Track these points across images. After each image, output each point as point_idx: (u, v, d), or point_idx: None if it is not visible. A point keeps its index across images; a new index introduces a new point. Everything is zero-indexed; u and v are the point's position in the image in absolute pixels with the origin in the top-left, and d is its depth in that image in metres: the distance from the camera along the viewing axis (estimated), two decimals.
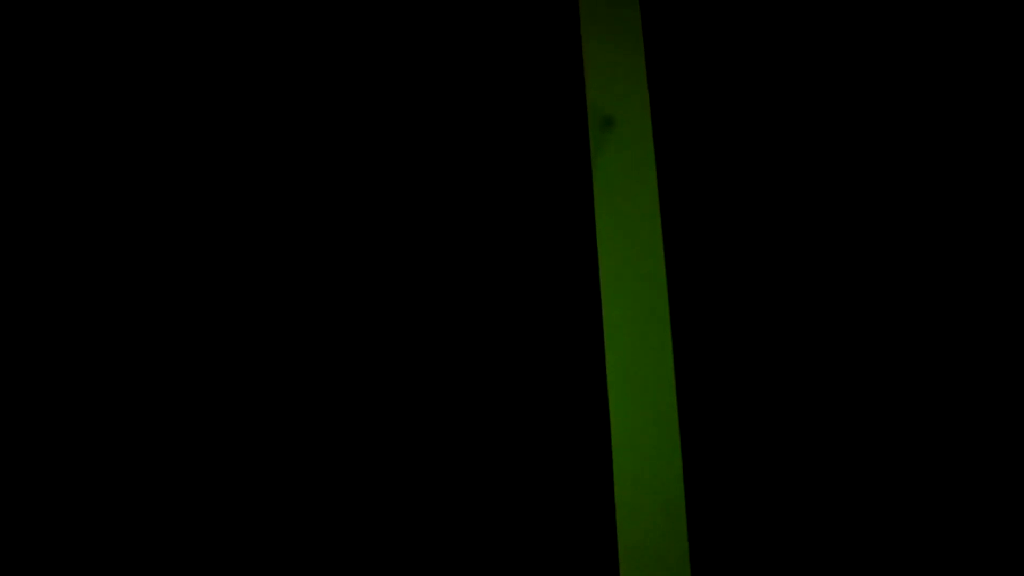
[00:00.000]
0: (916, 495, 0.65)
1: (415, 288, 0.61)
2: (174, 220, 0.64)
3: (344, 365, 0.61)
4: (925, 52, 0.72)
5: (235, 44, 0.64)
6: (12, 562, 0.56)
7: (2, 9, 0.61)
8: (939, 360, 0.67)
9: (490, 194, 0.63)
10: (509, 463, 0.53)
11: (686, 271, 0.66)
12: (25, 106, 0.63)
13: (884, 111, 0.73)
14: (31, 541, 0.58)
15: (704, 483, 0.62)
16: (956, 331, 0.67)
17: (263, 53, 0.65)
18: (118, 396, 0.62)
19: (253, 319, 0.63)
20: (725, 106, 0.71)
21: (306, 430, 0.61)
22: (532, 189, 0.63)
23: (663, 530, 0.58)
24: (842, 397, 0.67)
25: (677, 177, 0.68)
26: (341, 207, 0.64)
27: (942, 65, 0.72)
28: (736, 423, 0.65)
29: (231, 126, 0.65)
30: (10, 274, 0.61)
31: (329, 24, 0.63)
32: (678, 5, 0.69)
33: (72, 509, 0.60)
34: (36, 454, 0.60)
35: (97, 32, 0.65)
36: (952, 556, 0.63)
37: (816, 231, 0.69)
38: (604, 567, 0.52)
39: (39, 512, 0.59)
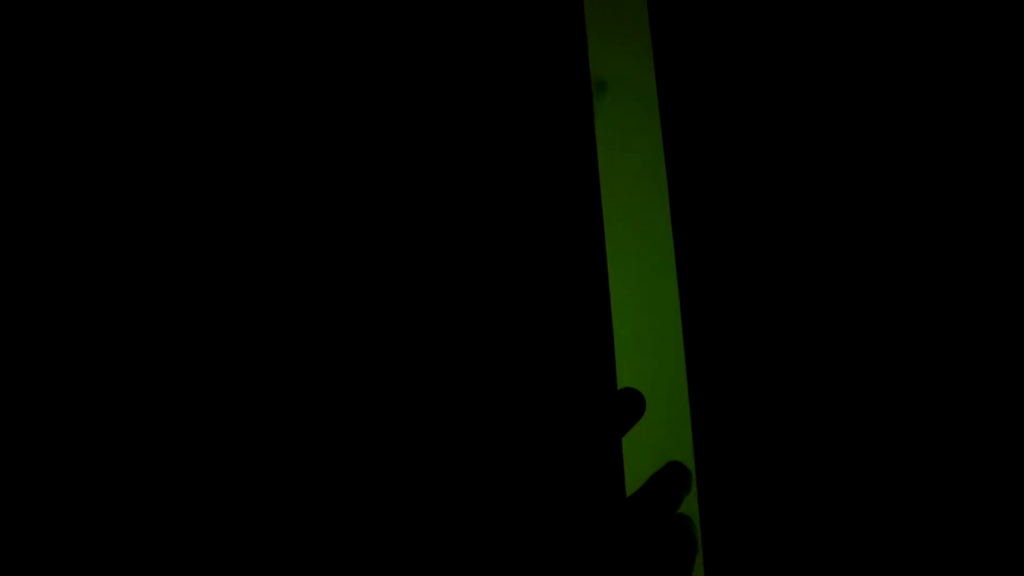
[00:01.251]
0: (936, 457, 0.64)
1: (406, 247, 0.60)
2: (174, 220, 0.64)
3: (345, 341, 0.60)
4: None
5: (233, 44, 0.63)
6: (12, 562, 0.58)
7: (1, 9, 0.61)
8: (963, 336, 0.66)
9: (488, 159, 0.62)
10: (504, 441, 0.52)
11: (692, 253, 0.65)
12: (25, 106, 0.63)
13: (904, 74, 0.70)
14: (31, 541, 0.59)
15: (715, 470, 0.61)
16: (973, 321, 0.65)
17: (253, 50, 0.64)
18: (117, 396, 0.62)
19: (253, 319, 0.62)
20: (728, 72, 0.68)
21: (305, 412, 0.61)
22: (531, 153, 0.62)
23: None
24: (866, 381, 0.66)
25: (677, 144, 0.66)
26: (337, 170, 0.63)
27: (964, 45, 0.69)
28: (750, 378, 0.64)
29: (225, 126, 0.64)
30: (10, 274, 0.61)
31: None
32: None
33: (71, 509, 0.60)
34: (36, 454, 0.61)
35: (97, 32, 0.64)
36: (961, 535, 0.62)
37: (827, 205, 0.67)
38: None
39: (39, 512, 0.60)
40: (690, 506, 0.58)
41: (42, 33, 0.65)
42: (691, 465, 0.60)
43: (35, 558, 0.57)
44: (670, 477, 0.39)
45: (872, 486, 0.62)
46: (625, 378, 0.61)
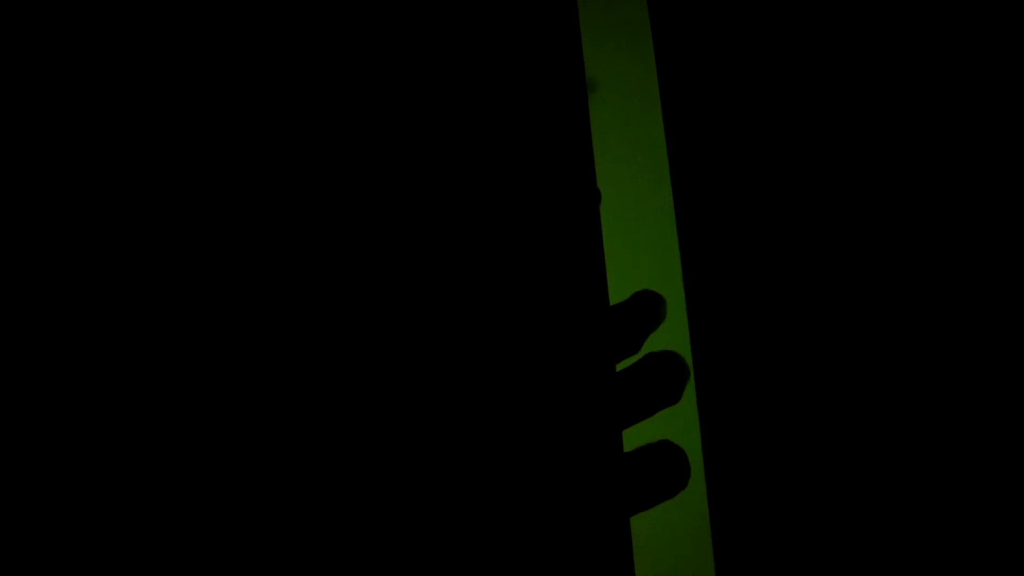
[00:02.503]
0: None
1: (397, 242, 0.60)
2: (173, 220, 0.64)
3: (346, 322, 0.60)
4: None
5: (226, 43, 0.64)
6: (12, 562, 0.57)
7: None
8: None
9: (478, 159, 0.62)
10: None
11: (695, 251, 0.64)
12: (25, 106, 0.63)
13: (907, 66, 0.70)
14: (30, 541, 0.58)
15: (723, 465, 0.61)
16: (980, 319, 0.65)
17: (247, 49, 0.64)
18: (116, 395, 0.62)
19: (250, 318, 0.62)
20: (734, 70, 0.68)
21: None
22: (524, 153, 0.62)
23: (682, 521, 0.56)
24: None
25: (681, 145, 0.66)
26: (327, 169, 0.63)
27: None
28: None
29: (229, 126, 0.64)
30: (9, 274, 0.61)
31: None
32: None
33: (71, 509, 0.60)
34: (36, 454, 0.61)
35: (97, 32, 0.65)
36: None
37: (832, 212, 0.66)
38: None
39: (38, 512, 0.59)
40: (698, 506, 0.57)
41: (42, 33, 0.65)
42: (699, 464, 0.60)
43: (35, 558, 0.57)
44: (641, 301, 0.40)
45: (880, 485, 0.62)
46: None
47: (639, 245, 0.63)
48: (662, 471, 0.40)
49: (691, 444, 0.58)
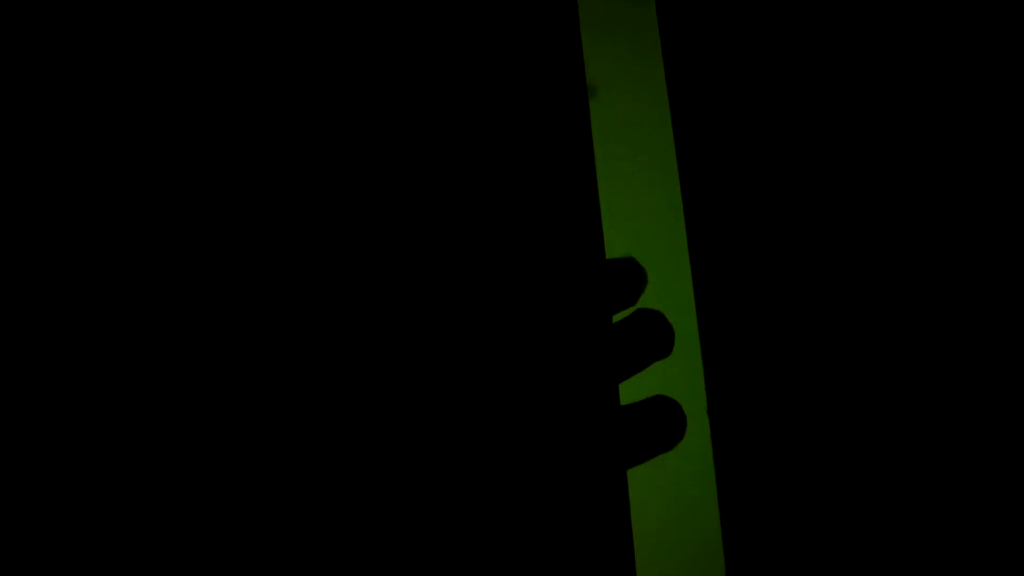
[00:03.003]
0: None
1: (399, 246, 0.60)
2: (173, 219, 0.65)
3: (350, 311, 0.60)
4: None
5: (226, 43, 0.66)
6: (12, 562, 0.56)
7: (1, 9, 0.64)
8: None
9: (478, 164, 0.63)
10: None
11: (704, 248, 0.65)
12: (25, 106, 0.65)
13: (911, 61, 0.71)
14: (30, 541, 0.57)
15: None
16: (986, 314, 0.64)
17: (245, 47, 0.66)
18: (116, 396, 0.62)
19: (250, 318, 0.62)
20: (745, 74, 0.70)
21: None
22: (524, 159, 0.63)
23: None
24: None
25: (689, 152, 0.67)
26: (328, 172, 0.63)
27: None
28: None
29: (229, 126, 0.66)
30: (9, 274, 0.62)
31: None
32: None
33: (71, 509, 0.59)
34: (36, 454, 0.60)
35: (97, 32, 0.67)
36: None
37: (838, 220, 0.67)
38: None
39: (38, 512, 0.59)
40: (708, 497, 0.56)
41: (42, 33, 0.67)
42: (710, 468, 0.58)
43: (35, 558, 0.55)
44: (628, 262, 0.41)
45: (889, 485, 0.60)
46: (640, 388, 0.60)
47: (647, 242, 0.63)
48: (658, 424, 0.40)
49: (694, 404, 0.57)
